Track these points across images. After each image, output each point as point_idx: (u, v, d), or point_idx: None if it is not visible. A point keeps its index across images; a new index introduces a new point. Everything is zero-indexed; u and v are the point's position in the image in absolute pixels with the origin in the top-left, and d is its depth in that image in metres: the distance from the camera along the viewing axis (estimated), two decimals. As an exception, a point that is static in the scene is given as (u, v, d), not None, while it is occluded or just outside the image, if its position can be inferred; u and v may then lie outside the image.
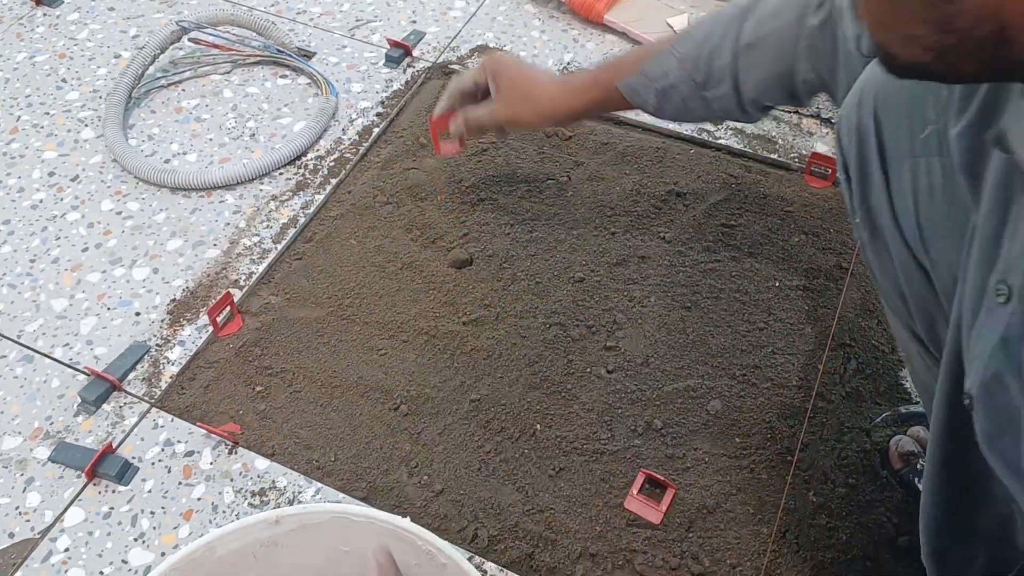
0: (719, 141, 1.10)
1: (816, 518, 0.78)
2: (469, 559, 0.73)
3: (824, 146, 1.09)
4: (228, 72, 1.22)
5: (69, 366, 0.90)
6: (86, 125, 1.14)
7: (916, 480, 0.79)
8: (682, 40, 0.79)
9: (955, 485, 0.56)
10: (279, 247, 1.00)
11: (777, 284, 0.95)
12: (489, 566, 0.75)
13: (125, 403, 0.87)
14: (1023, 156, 0.40)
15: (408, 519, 0.54)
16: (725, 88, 0.78)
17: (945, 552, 0.60)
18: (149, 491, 0.81)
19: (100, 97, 1.18)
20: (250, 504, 0.80)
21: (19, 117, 1.15)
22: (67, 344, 0.92)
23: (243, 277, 0.97)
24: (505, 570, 0.75)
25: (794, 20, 0.72)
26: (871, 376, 0.88)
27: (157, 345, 0.92)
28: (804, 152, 1.08)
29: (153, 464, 0.83)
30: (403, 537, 0.54)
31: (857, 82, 0.64)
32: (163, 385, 0.88)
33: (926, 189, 0.59)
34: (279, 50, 1.21)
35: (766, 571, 0.75)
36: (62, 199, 1.06)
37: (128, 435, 0.85)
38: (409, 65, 1.22)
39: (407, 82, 1.19)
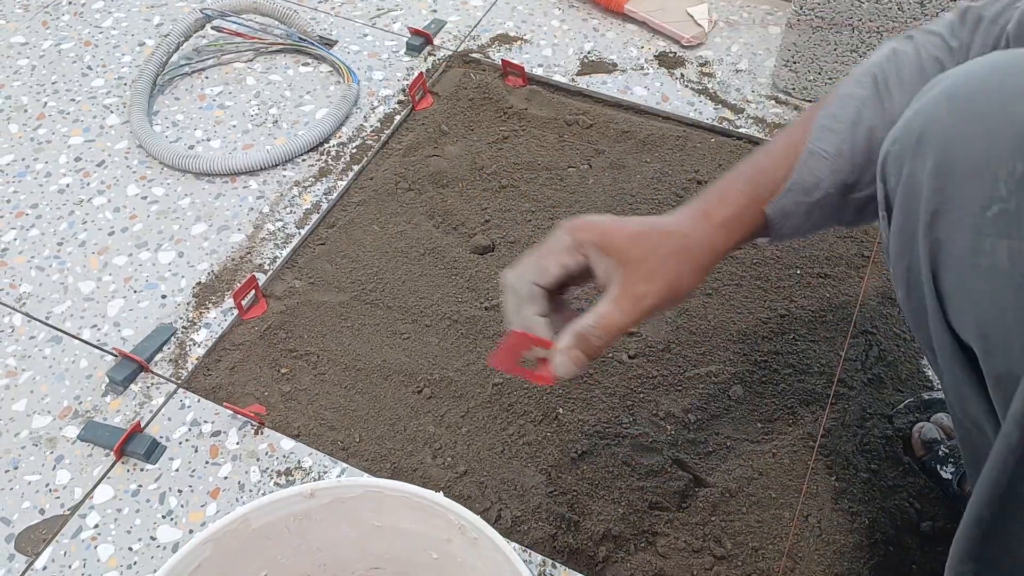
0: (740, 130, 1.10)
1: (838, 503, 0.78)
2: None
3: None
4: (251, 60, 1.22)
5: (97, 347, 0.91)
6: (111, 111, 1.15)
7: (939, 467, 0.79)
8: (822, 135, 0.59)
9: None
10: (302, 232, 1.01)
11: (799, 272, 0.95)
12: (513, 546, 0.76)
13: (152, 384, 0.88)
14: None
15: (441, 494, 0.54)
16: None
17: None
18: (176, 470, 0.82)
19: (125, 84, 1.19)
20: (276, 484, 0.81)
21: (45, 104, 1.17)
22: (95, 326, 0.93)
23: (267, 261, 0.98)
24: (529, 550, 0.76)
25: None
26: (892, 363, 0.88)
27: (183, 327, 0.93)
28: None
29: (180, 444, 0.84)
30: (434, 512, 0.55)
31: (913, 115, 0.52)
32: (189, 366, 0.89)
33: (987, 272, 0.49)
34: (301, 38, 1.21)
35: (788, 554, 0.75)
36: (88, 184, 1.07)
37: (156, 415, 0.86)
38: (430, 53, 1.22)
39: (428, 70, 1.20)
